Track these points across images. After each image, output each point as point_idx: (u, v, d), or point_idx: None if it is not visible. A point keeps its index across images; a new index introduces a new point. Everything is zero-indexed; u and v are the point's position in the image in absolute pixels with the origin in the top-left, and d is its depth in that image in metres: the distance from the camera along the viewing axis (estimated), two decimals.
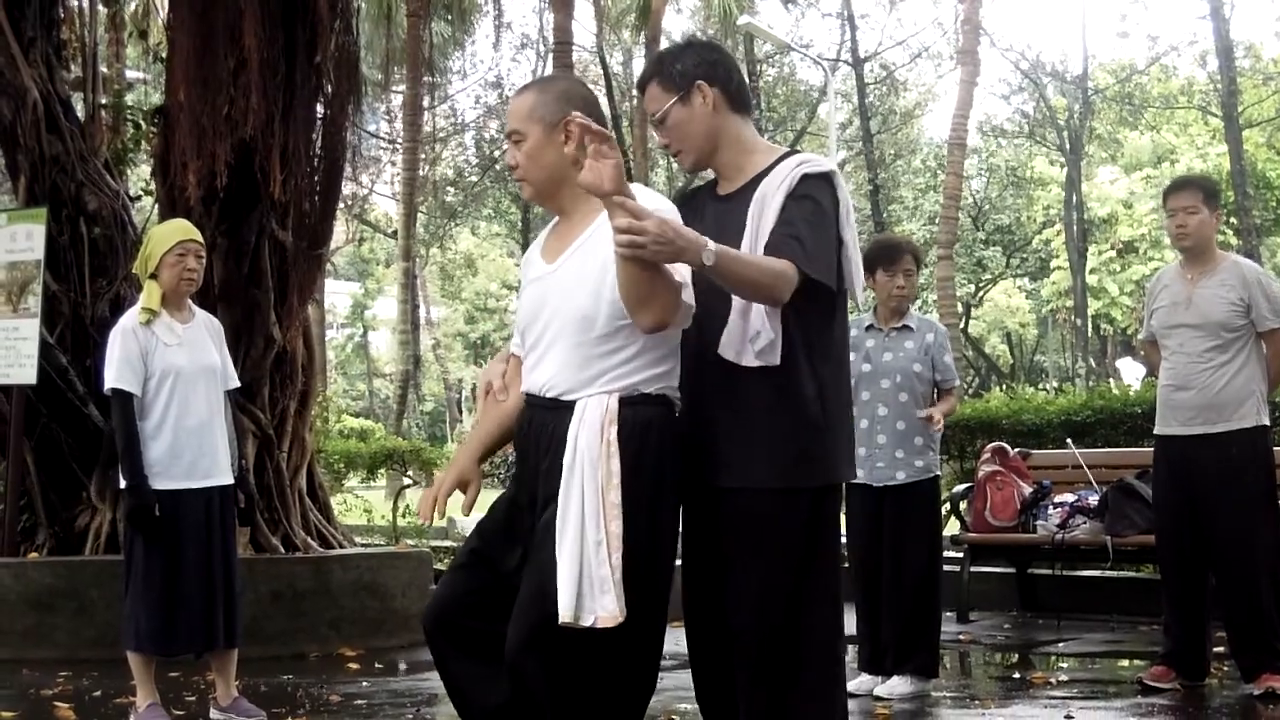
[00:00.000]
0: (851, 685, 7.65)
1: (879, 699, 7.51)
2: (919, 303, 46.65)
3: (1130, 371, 34.33)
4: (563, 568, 3.99)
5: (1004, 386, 34.75)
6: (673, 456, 4.14)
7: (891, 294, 7.85)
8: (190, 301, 7.15)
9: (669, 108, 4.34)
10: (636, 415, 4.07)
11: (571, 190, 4.17)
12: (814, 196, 4.14)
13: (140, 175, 14.99)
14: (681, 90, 4.31)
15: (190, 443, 6.88)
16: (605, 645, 4.02)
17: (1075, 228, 47.09)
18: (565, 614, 3.97)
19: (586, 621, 3.97)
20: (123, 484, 6.88)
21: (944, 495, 11.45)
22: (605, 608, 3.95)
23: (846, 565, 7.59)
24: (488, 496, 4.44)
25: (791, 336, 4.12)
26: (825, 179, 4.18)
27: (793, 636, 4.12)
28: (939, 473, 7.84)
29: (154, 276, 6.98)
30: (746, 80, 4.50)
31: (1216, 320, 7.38)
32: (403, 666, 9.16)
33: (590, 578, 3.98)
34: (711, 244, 3.86)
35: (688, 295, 3.99)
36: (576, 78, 4.84)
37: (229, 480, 7.06)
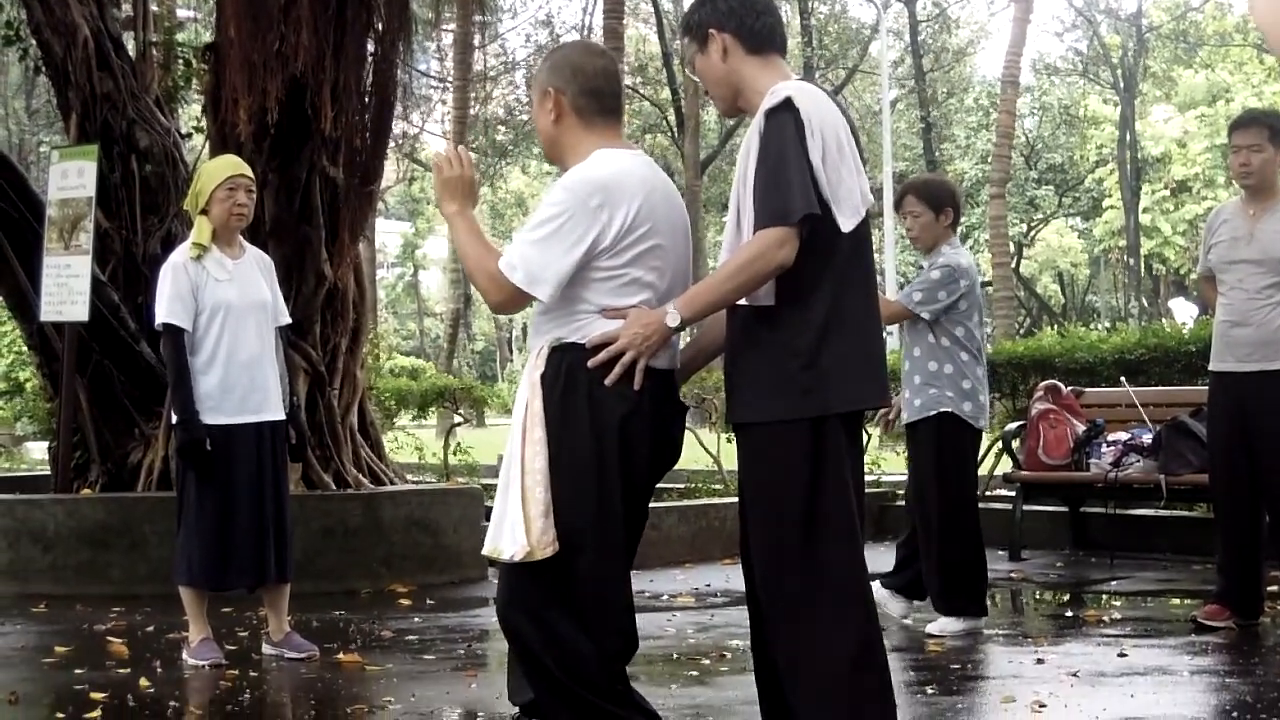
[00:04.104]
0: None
1: (931, 636, 7.47)
2: (969, 241, 46.70)
3: (1183, 312, 34.22)
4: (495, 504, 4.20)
5: (1055, 326, 34.61)
6: (619, 399, 4.15)
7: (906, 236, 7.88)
8: (241, 237, 7.15)
9: (692, 58, 4.42)
10: (564, 359, 4.18)
11: (564, 157, 4.40)
12: (775, 137, 4.08)
13: (191, 113, 14.99)
14: (699, 40, 4.36)
15: (241, 378, 6.89)
16: (560, 584, 4.15)
17: (1128, 167, 46.82)
18: (486, 547, 4.19)
19: (506, 555, 4.11)
20: (174, 419, 6.90)
21: (996, 433, 11.41)
22: (516, 540, 4.08)
23: None
24: None
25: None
26: (782, 109, 4.10)
27: (806, 568, 4.10)
28: (949, 408, 7.47)
29: (204, 212, 6.97)
30: (779, 18, 4.41)
31: (1277, 257, 7.26)
32: (454, 602, 9.19)
33: (507, 511, 4.13)
34: (670, 307, 4.11)
35: (518, 278, 4.14)
36: (592, 45, 4.90)
37: (280, 416, 7.06)
